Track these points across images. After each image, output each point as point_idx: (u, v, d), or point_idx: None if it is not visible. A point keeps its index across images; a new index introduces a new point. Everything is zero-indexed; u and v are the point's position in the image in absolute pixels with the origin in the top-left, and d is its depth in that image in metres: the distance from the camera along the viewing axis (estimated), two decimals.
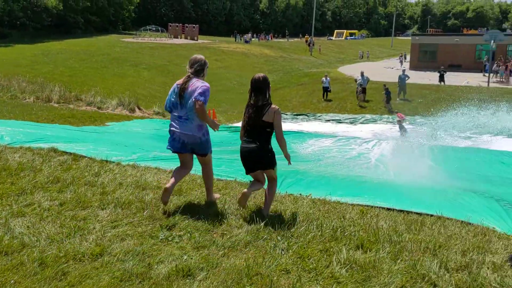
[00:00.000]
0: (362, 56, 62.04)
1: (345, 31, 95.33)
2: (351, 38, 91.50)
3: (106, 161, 6.05)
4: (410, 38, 56.56)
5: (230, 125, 20.60)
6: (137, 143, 8.91)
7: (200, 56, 4.49)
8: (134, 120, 15.95)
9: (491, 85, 32.33)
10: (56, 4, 47.42)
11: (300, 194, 4.99)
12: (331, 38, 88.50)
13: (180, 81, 4.51)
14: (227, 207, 4.36)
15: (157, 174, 5.62)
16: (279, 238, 3.67)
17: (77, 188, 4.72)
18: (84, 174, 5.26)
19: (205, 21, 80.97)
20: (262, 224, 3.90)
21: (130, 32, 62.92)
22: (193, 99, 4.12)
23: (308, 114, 24.78)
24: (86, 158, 6.09)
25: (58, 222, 3.84)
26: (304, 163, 8.59)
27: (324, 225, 3.93)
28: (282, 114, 19.66)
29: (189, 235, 3.70)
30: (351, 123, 22.84)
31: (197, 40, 54.56)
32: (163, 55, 38.53)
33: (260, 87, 4.14)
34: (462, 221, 4.25)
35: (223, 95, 31.17)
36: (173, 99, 4.42)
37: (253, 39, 67.35)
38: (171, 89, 4.43)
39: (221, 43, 54.70)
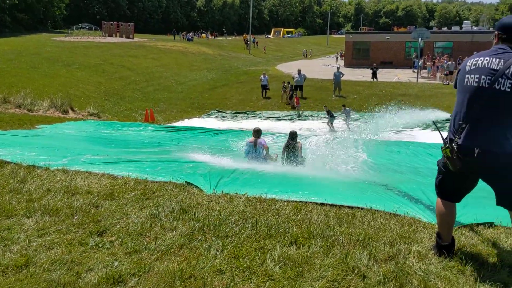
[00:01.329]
0: (306, 55, 63.17)
1: (282, 29, 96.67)
2: (289, 36, 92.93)
3: (34, 166, 5.78)
4: (343, 36, 58.23)
5: (169, 124, 20.33)
6: (69, 146, 8.58)
7: None
8: (67, 122, 15.37)
9: (420, 80, 33.96)
10: None
11: (236, 193, 5.00)
12: (269, 36, 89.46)
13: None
14: (161, 209, 4.28)
15: (88, 178, 5.42)
16: (213, 238, 3.65)
17: (1, 196, 4.47)
18: (9, 181, 4.99)
19: (141, 19, 79.24)
20: (197, 225, 3.87)
21: (62, 30, 60.39)
22: None
23: (247, 112, 24.90)
24: (12, 164, 5.78)
25: None
26: (242, 162, 8.64)
27: (259, 223, 3.95)
28: (221, 112, 19.75)
29: (120, 240, 3.60)
30: (290, 120, 23.22)
31: (132, 38, 53.29)
32: (98, 54, 37.29)
33: None
34: (390, 213, 4.42)
35: (161, 94, 30.66)
36: None
37: (195, 37, 66.93)
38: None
39: (158, 41, 53.75)
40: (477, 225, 4.16)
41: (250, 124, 22.42)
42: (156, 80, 34.45)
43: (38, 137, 10.54)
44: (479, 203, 4.65)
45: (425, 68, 37.26)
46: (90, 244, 3.52)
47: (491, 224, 4.19)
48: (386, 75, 36.79)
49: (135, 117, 23.60)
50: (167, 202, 4.51)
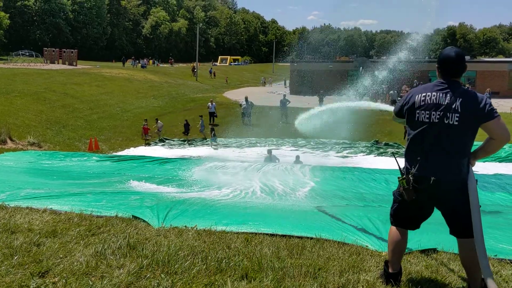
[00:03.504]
0: (265, 82, 63.59)
1: (229, 57, 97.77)
2: (235, 64, 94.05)
3: None
4: (288, 64, 59.64)
5: (114, 153, 19.85)
6: (8, 179, 8.17)
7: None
8: (5, 153, 14.63)
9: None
10: None
11: (185, 226, 4.92)
12: (216, 64, 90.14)
13: None
14: (107, 246, 4.14)
15: (29, 214, 5.17)
16: (162, 275, 3.56)
17: None
18: None
19: (85, 46, 77.71)
20: (145, 262, 3.77)
21: (1, 57, 58.13)
22: None
23: (195, 140, 24.80)
24: None
25: None
26: (190, 192, 8.54)
27: (209, 257, 3.90)
28: (168, 141, 19.50)
29: (64, 281, 3.44)
30: (238, 147, 23.31)
31: (76, 65, 52.10)
32: (39, 82, 36.07)
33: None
34: (339, 242, 4.50)
35: (105, 122, 29.98)
36: None
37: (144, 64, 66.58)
38: None
39: (103, 68, 52.82)
40: (421, 251, 4.31)
41: (197, 151, 22.32)
42: (100, 107, 33.70)
43: None
44: (421, 229, 4.83)
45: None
46: (32, 287, 3.33)
47: (434, 250, 4.35)
48: (329, 101, 37.82)
49: (78, 146, 22.89)
50: (113, 238, 4.37)
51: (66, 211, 5.28)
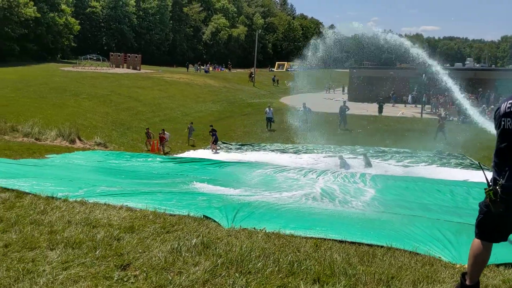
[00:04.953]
0: (328, 89, 62.70)
1: (286, 63, 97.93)
2: (292, 70, 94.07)
3: (52, 197, 5.83)
4: (347, 70, 58.83)
5: (175, 155, 20.41)
6: (82, 177, 8.64)
7: None
8: (75, 152, 15.46)
9: (424, 116, 34.20)
10: None
11: (254, 228, 5.02)
12: (273, 69, 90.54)
13: None
14: (182, 243, 4.30)
15: (107, 210, 5.46)
16: (237, 275, 3.66)
17: (22, 227, 4.50)
18: (29, 212, 5.03)
19: (148, 51, 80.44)
20: (219, 261, 3.88)
21: (70, 61, 61.34)
22: None
23: (252, 144, 25.01)
24: (30, 195, 5.83)
25: (4, 265, 3.64)
26: (253, 195, 8.67)
27: (281, 260, 3.97)
28: (227, 144, 19.82)
29: (145, 274, 3.62)
30: (295, 153, 23.28)
31: (139, 69, 54.05)
32: (105, 85, 37.76)
33: None
34: (410, 252, 4.43)
35: (166, 125, 30.85)
36: None
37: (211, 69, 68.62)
38: None
39: (164, 73, 54.49)
40: (497, 265, 4.17)
41: (255, 156, 22.49)
42: (162, 111, 34.77)
43: (49, 167, 10.60)
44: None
45: (429, 103, 37.58)
46: (115, 278, 3.53)
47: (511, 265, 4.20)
48: (390, 109, 37.09)
49: (141, 148, 23.72)
50: (187, 236, 4.53)
51: (141, 209, 5.53)
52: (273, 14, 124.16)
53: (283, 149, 23.79)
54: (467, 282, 3.48)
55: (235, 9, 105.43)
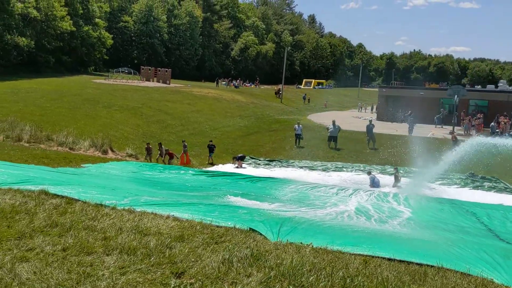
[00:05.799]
0: (361, 108, 62.43)
1: (313, 80, 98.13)
2: (319, 88, 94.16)
3: (101, 205, 5.98)
4: (375, 89, 58.56)
5: (204, 169, 20.58)
6: (121, 187, 8.83)
7: None
8: (110, 162, 15.78)
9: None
10: (28, 42, 47.10)
11: (301, 243, 5.04)
12: (300, 86, 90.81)
13: None
14: (233, 254, 4.35)
15: (155, 219, 5.57)
16: (290, 287, 3.69)
17: (77, 233, 4.63)
18: (81, 218, 5.18)
19: (177, 65, 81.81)
20: (272, 273, 3.92)
21: (101, 73, 62.85)
22: None
23: (281, 160, 25.01)
24: (80, 202, 6.00)
25: (64, 268, 3.75)
26: (290, 211, 8.68)
27: (333, 275, 3.98)
28: (255, 159, 19.74)
29: (200, 283, 3.68)
30: (324, 170, 23.17)
31: (169, 83, 54.91)
32: (136, 98, 38.49)
33: None
34: (462, 272, 4.38)
35: (195, 138, 31.19)
36: None
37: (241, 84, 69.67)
38: None
39: (193, 87, 55.21)
40: None
41: (283, 172, 22.46)
42: (191, 124, 35.16)
43: (88, 176, 10.86)
44: None
45: (459, 125, 36.99)
46: (172, 285, 3.60)
47: None
48: (420, 130, 36.59)
49: (171, 160, 23.98)
50: (237, 248, 4.58)
51: (187, 219, 5.61)
52: (301, 32, 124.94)
53: (312, 166, 23.69)
54: None
55: (264, 26, 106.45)
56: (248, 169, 22.78)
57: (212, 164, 22.36)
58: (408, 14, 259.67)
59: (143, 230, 4.96)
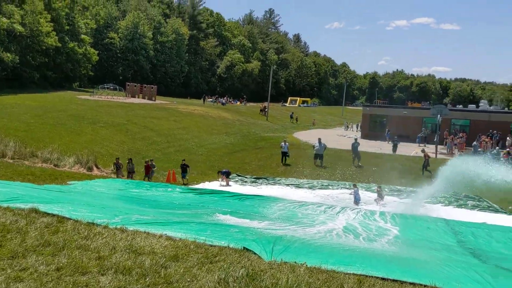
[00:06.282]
0: (347, 126, 62.95)
1: (298, 98, 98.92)
2: (304, 106, 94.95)
3: (93, 223, 5.93)
4: (359, 108, 59.23)
5: (191, 186, 20.48)
6: (112, 205, 8.77)
7: None
8: (96, 180, 15.64)
9: (439, 156, 34.10)
10: (13, 58, 46.73)
11: (295, 262, 5.07)
12: (285, 104, 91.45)
13: None
14: (229, 274, 4.36)
15: (148, 238, 5.55)
16: None
17: (70, 252, 4.59)
18: (74, 237, 5.13)
19: (163, 82, 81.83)
20: None
21: (86, 89, 62.48)
22: None
23: (267, 178, 25.03)
24: (71, 221, 5.94)
25: None
26: (280, 229, 8.71)
27: None
28: (241, 177, 19.73)
29: None
30: (310, 188, 23.25)
31: (155, 100, 54.82)
32: (121, 114, 38.33)
33: None
34: None
35: (181, 155, 31.06)
36: None
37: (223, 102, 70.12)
38: None
39: (179, 104, 55.19)
40: None
41: (270, 190, 22.47)
42: (177, 141, 35.07)
43: (75, 194, 10.76)
44: None
45: (442, 144, 37.55)
46: None
47: None
48: (403, 148, 37.03)
49: (157, 178, 23.85)
50: (232, 267, 4.59)
51: (180, 238, 5.60)
52: (286, 50, 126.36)
53: (298, 184, 23.76)
54: None
55: (250, 45, 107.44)
56: (235, 187, 22.76)
57: (186, 185, 21.16)
58: (391, 34, 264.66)
59: (137, 249, 4.94)
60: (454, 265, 5.83)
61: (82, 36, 61.77)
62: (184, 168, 22.82)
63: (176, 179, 23.71)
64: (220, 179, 22.39)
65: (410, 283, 4.64)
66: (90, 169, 21.69)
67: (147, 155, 28.75)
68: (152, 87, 57.93)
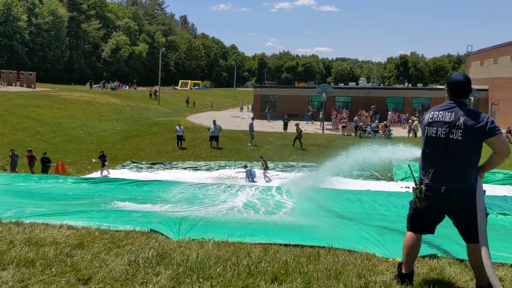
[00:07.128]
0: (242, 108, 63.15)
1: (189, 81, 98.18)
2: (196, 88, 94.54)
3: None
4: (250, 89, 60.55)
5: (82, 176, 19.61)
6: (1, 200, 8.15)
7: None
8: None
9: (325, 131, 36.27)
10: None
11: (203, 238, 5.21)
12: (176, 87, 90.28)
13: None
14: (138, 256, 4.38)
15: (47, 229, 5.30)
16: (200, 280, 3.85)
17: None
18: None
19: (41, 68, 76.13)
20: (180, 269, 4.04)
21: None
22: None
23: (164, 163, 24.78)
24: None
25: None
26: (183, 211, 8.77)
27: (238, 264, 4.22)
28: (136, 163, 19.49)
29: (110, 286, 3.67)
30: (208, 170, 23.49)
31: (34, 88, 50.99)
32: None
33: None
34: (349, 250, 4.91)
35: (69, 145, 29.50)
36: None
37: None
38: None
39: (62, 91, 51.93)
40: (423, 256, 4.78)
41: (167, 174, 22.33)
42: (63, 130, 33.14)
43: None
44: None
45: (329, 120, 39.91)
46: None
47: (434, 256, 4.84)
48: (292, 126, 38.76)
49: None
50: (140, 249, 4.60)
51: (83, 226, 5.45)
52: (174, 32, 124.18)
53: (196, 167, 23.88)
54: (403, 271, 4.00)
55: (136, 27, 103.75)
56: (131, 174, 22.22)
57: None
58: (276, 16, 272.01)
59: (37, 241, 4.72)
60: (346, 228, 6.40)
61: None
62: (44, 162, 21.25)
63: (66, 170, 22.53)
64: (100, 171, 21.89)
65: (310, 246, 5.02)
66: None
67: (30, 146, 26.83)
68: (30, 74, 53.79)
